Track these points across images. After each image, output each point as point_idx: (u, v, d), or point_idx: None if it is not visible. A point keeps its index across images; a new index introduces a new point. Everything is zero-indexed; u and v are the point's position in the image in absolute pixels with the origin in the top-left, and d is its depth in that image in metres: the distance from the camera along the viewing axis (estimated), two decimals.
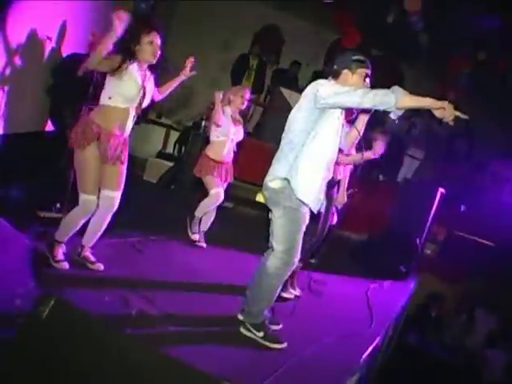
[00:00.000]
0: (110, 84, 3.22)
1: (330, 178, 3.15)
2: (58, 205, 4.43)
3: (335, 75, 3.06)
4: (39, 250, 3.30)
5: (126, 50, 3.19)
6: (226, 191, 4.80)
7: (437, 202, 6.16)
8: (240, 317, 3.37)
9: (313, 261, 5.07)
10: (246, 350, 3.00)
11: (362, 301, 4.58)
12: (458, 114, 2.73)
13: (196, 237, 4.71)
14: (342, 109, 2.99)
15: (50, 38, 4.87)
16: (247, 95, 4.70)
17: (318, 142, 2.95)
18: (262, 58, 8.75)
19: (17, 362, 1.60)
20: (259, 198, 7.84)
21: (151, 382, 1.41)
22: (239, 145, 4.91)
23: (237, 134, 4.69)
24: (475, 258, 6.81)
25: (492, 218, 7.04)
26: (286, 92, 7.48)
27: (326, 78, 3.07)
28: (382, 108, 2.77)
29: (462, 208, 7.33)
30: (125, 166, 3.44)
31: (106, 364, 1.47)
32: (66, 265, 3.36)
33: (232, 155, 4.74)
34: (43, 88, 5.06)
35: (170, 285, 3.67)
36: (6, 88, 4.31)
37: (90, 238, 3.49)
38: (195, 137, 7.05)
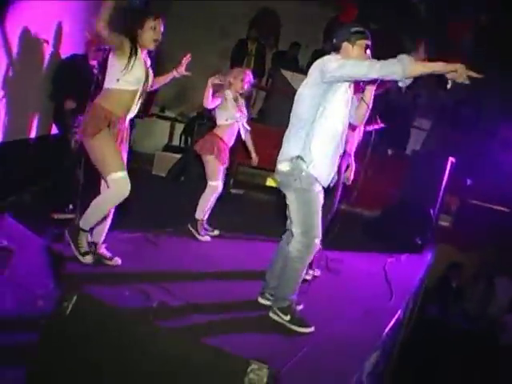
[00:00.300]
0: (116, 66, 3.15)
1: (342, 151, 3.14)
2: (71, 206, 4.46)
3: (336, 49, 3.04)
4: (56, 250, 3.32)
5: (130, 33, 3.16)
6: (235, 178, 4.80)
7: (448, 172, 6.12)
8: (261, 300, 3.42)
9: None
10: (271, 333, 3.03)
11: (380, 276, 4.58)
12: (471, 73, 2.69)
13: (207, 238, 4.63)
14: (350, 82, 2.97)
15: (47, 42, 4.86)
16: (248, 78, 4.61)
17: (328, 116, 2.94)
18: (261, 42, 8.69)
19: (45, 362, 1.63)
20: (269, 182, 7.86)
21: (186, 369, 1.43)
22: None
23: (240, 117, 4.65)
24: (491, 225, 6.77)
25: (505, 184, 6.97)
26: (287, 74, 7.45)
27: (328, 54, 3.05)
28: (390, 78, 2.75)
29: (469, 182, 7.26)
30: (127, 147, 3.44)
31: (139, 355, 1.49)
32: (90, 258, 3.36)
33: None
34: (45, 92, 5.07)
35: (188, 275, 3.70)
36: (5, 95, 4.31)
37: (101, 233, 3.49)
38: (200, 126, 7.06)
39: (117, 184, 3.19)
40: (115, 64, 3.16)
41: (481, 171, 7.33)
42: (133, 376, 1.47)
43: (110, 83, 3.20)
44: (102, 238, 3.54)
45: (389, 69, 2.70)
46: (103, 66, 4.29)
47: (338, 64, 2.82)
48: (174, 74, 3.69)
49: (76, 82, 4.69)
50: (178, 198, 5.86)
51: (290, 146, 3.03)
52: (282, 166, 3.04)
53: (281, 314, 3.17)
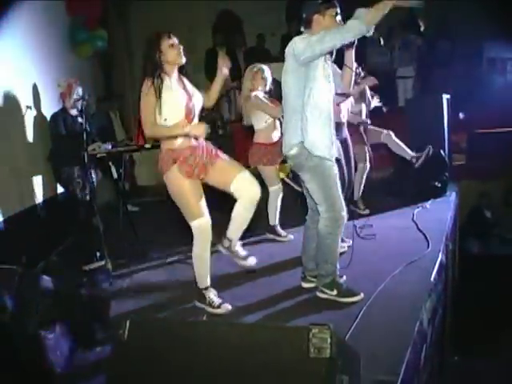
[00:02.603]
0: (158, 109, 2.97)
1: (333, 122, 3.17)
2: (98, 253, 4.53)
3: (307, 24, 3.07)
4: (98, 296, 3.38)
5: (152, 65, 2.99)
6: None
7: (446, 110, 6.09)
8: (304, 284, 3.45)
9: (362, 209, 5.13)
10: (324, 311, 3.06)
11: (411, 228, 4.59)
12: None
13: (290, 236, 4.60)
14: (324, 55, 3.00)
15: (29, 107, 4.95)
16: (266, 72, 4.39)
17: (315, 95, 2.98)
18: (229, 45, 8.73)
19: None
20: (280, 175, 7.87)
21: (253, 352, 1.46)
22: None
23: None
24: (505, 148, 6.71)
25: (505, 102, 6.91)
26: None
27: (296, 35, 3.09)
28: (356, 37, 2.83)
29: (461, 115, 7.20)
30: (223, 157, 3.19)
31: (205, 353, 1.53)
32: (226, 307, 3.17)
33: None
34: (41, 155, 5.15)
35: (226, 281, 3.73)
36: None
37: (237, 231, 3.24)
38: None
39: (199, 230, 3.08)
40: (156, 108, 2.98)
41: (477, 98, 7.28)
42: (206, 373, 1.51)
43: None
44: (238, 236, 3.26)
45: (351, 31, 2.77)
46: (85, 114, 4.39)
47: (305, 44, 2.88)
48: (221, 77, 3.35)
49: (68, 136, 4.75)
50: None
51: (290, 135, 3.09)
52: (292, 151, 3.10)
53: (327, 291, 3.20)
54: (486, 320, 5.24)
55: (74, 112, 4.84)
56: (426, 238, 4.22)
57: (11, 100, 4.67)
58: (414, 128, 6.12)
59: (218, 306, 3.16)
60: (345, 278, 3.36)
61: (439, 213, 5.02)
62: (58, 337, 2.62)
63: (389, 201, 5.53)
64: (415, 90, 8.09)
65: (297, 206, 4.89)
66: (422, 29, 8.10)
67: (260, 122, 4.45)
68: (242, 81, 8.93)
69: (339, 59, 3.22)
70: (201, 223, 3.05)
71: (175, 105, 2.99)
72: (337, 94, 3.29)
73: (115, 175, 4.95)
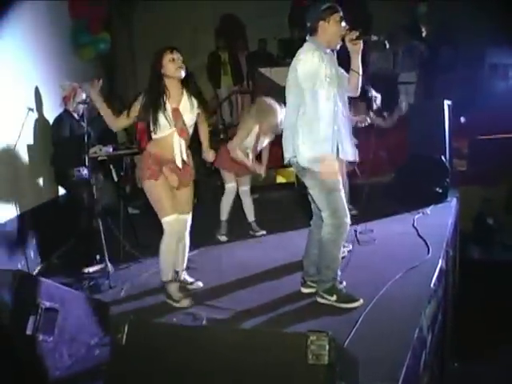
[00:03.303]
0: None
1: (351, 125, 3.19)
2: (98, 256, 4.52)
3: (313, 31, 3.08)
4: (97, 299, 3.38)
5: (155, 79, 3.31)
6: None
7: (448, 116, 6.09)
8: (304, 290, 3.45)
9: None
10: (323, 317, 3.06)
11: (412, 234, 4.58)
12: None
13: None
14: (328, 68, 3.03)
15: (31, 109, 4.95)
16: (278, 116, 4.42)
17: (309, 111, 2.99)
18: (231, 49, 8.77)
19: None
20: (279, 179, 7.89)
21: (251, 357, 1.47)
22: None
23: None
24: (508, 154, 6.70)
25: (507, 108, 6.90)
26: (265, 71, 7.51)
27: (297, 42, 3.11)
28: None
29: (462, 120, 7.20)
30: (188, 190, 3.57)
31: (202, 357, 1.53)
32: (187, 302, 3.41)
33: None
34: (42, 157, 5.16)
35: (225, 286, 3.75)
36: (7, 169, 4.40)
37: (181, 262, 3.68)
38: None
39: (167, 226, 3.40)
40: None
41: (478, 104, 7.27)
42: (204, 378, 1.51)
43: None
44: (183, 267, 3.71)
45: None
46: (88, 118, 4.40)
47: (305, 78, 2.96)
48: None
49: (70, 139, 4.74)
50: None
51: (285, 147, 3.14)
52: (293, 160, 3.13)
53: (327, 296, 3.20)
54: (487, 326, 5.22)
55: (76, 115, 4.84)
56: (426, 243, 4.21)
57: (12, 102, 4.67)
58: (414, 133, 6.13)
59: (178, 301, 3.39)
60: (344, 283, 3.35)
61: (440, 219, 5.01)
62: (57, 339, 2.62)
63: (389, 206, 5.53)
64: (417, 95, 8.10)
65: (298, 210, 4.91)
66: (424, 34, 8.12)
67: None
68: (242, 85, 9.07)
69: (346, 64, 3.23)
70: (169, 220, 3.37)
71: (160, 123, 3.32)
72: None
73: (116, 178, 4.95)
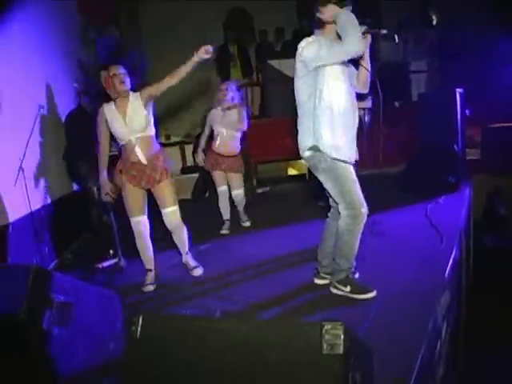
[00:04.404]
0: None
1: (357, 123, 3.14)
2: (111, 251, 4.56)
3: (323, 23, 3.01)
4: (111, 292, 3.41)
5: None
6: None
7: (459, 104, 6.02)
8: (317, 281, 3.44)
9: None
10: (337, 308, 3.06)
11: (425, 224, 4.55)
12: None
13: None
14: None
15: (42, 107, 4.98)
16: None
17: (326, 98, 2.96)
18: (240, 41, 8.74)
19: None
20: (290, 171, 7.88)
21: (267, 349, 1.47)
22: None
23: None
24: None
25: None
26: (274, 63, 7.48)
27: (307, 32, 3.08)
28: (355, 55, 2.91)
29: (468, 112, 7.10)
30: (167, 183, 3.77)
31: (220, 349, 1.54)
32: (151, 287, 3.76)
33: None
34: (55, 153, 5.19)
35: (241, 278, 3.75)
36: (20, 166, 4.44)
37: (183, 245, 3.96)
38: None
39: (133, 226, 3.76)
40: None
41: (491, 91, 7.18)
42: (218, 369, 1.51)
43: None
44: (185, 249, 3.95)
45: (353, 48, 2.82)
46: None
47: (314, 55, 2.90)
48: (195, 58, 3.44)
49: (85, 133, 4.77)
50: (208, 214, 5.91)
51: (303, 138, 3.09)
52: (305, 154, 3.11)
53: (341, 287, 3.20)
54: (502, 316, 5.19)
55: (89, 110, 4.87)
56: (439, 233, 4.18)
57: (24, 99, 4.70)
58: (426, 122, 6.07)
59: (144, 286, 3.77)
60: (358, 274, 3.34)
61: (453, 208, 4.96)
62: (73, 333, 2.64)
63: (402, 196, 5.49)
64: (428, 84, 8.01)
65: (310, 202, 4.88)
66: (434, 22, 8.03)
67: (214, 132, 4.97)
68: (252, 77, 9.04)
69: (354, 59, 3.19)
70: (134, 221, 3.73)
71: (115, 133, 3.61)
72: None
73: None
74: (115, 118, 3.55)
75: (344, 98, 3.02)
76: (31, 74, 4.91)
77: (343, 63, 3.00)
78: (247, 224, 5.22)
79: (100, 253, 4.60)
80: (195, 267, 3.94)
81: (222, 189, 5.05)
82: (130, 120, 3.54)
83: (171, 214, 3.74)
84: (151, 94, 3.56)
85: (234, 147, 4.92)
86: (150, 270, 3.84)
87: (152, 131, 3.66)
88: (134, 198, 3.69)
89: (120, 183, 3.73)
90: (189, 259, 3.97)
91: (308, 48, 2.93)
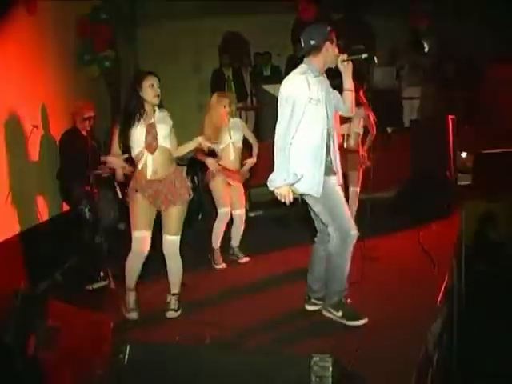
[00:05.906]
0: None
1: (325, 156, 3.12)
2: (102, 273, 4.51)
3: (315, 51, 3.06)
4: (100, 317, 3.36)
5: (133, 100, 3.41)
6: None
7: (451, 130, 6.09)
8: (308, 307, 3.42)
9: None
10: (328, 333, 3.05)
11: (417, 249, 4.55)
12: None
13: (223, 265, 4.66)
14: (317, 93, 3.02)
15: (36, 127, 4.97)
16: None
17: (297, 137, 2.99)
18: (235, 66, 8.81)
19: None
20: None
21: (255, 379, 1.45)
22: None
23: None
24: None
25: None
26: (269, 88, 7.52)
27: (300, 58, 3.12)
28: None
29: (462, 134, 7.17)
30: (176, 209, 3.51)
31: (208, 378, 1.51)
32: (135, 315, 3.55)
33: None
34: (47, 174, 5.17)
35: (230, 304, 3.72)
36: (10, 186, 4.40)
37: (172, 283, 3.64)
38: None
39: (134, 242, 3.49)
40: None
41: (482, 118, 7.26)
42: None
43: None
44: (174, 286, 3.62)
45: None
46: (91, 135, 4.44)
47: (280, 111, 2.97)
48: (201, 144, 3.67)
49: (79, 154, 4.75)
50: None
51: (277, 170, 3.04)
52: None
53: (333, 311, 3.18)
54: (495, 343, 5.16)
55: (84, 132, 4.86)
56: (431, 258, 4.18)
57: (18, 119, 4.70)
58: (418, 148, 6.13)
59: (127, 311, 3.56)
60: (349, 300, 3.32)
61: (445, 233, 4.98)
62: (59, 358, 2.60)
63: (393, 222, 5.50)
64: (421, 110, 8.10)
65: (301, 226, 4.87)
66: (426, 50, 8.16)
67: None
68: (246, 101, 9.08)
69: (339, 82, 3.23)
70: (135, 235, 3.46)
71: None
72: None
73: (120, 195, 4.95)
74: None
75: (322, 136, 3.04)
76: (27, 94, 4.92)
77: (318, 101, 3.02)
78: (245, 259, 4.80)
79: (90, 275, 4.55)
80: (173, 310, 3.58)
81: (224, 211, 4.66)
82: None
83: (172, 242, 3.52)
84: None
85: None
86: (132, 291, 3.60)
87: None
88: (144, 211, 3.47)
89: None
90: (172, 301, 3.60)
91: (285, 88, 2.99)
